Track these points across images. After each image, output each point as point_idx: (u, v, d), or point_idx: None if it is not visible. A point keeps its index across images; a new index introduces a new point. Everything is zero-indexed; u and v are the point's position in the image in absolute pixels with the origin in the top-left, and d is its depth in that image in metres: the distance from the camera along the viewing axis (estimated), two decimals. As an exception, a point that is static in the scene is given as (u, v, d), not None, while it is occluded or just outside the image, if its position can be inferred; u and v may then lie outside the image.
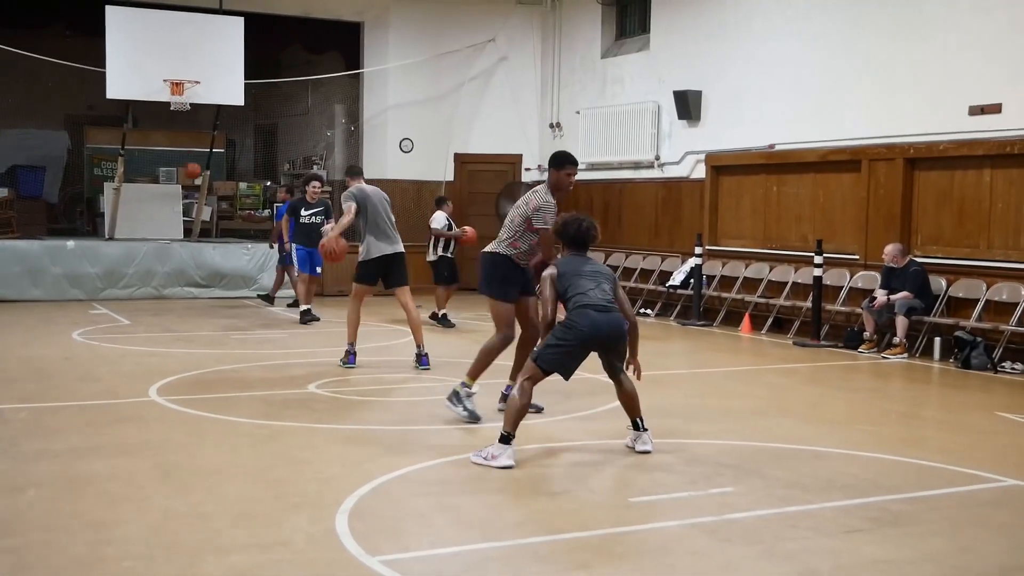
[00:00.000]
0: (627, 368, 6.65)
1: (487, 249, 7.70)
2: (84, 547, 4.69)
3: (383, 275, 9.90)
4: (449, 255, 13.54)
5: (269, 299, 15.45)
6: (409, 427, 7.44)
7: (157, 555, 4.60)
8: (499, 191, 17.99)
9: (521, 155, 18.78)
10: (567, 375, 6.55)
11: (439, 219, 13.61)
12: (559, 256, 6.93)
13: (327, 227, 12.56)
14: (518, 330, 7.69)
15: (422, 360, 9.87)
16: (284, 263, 15.00)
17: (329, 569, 4.50)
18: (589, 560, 4.67)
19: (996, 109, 11.16)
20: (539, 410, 7.73)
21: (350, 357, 9.88)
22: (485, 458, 6.22)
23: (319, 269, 13.48)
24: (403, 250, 9.96)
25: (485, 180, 18.66)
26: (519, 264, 7.55)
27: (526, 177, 18.66)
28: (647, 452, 6.61)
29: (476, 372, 7.59)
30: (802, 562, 4.66)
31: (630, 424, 6.73)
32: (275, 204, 15.70)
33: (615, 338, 6.47)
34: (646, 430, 6.69)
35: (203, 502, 5.43)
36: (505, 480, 6.01)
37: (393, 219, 9.98)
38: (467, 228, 13.57)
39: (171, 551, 4.65)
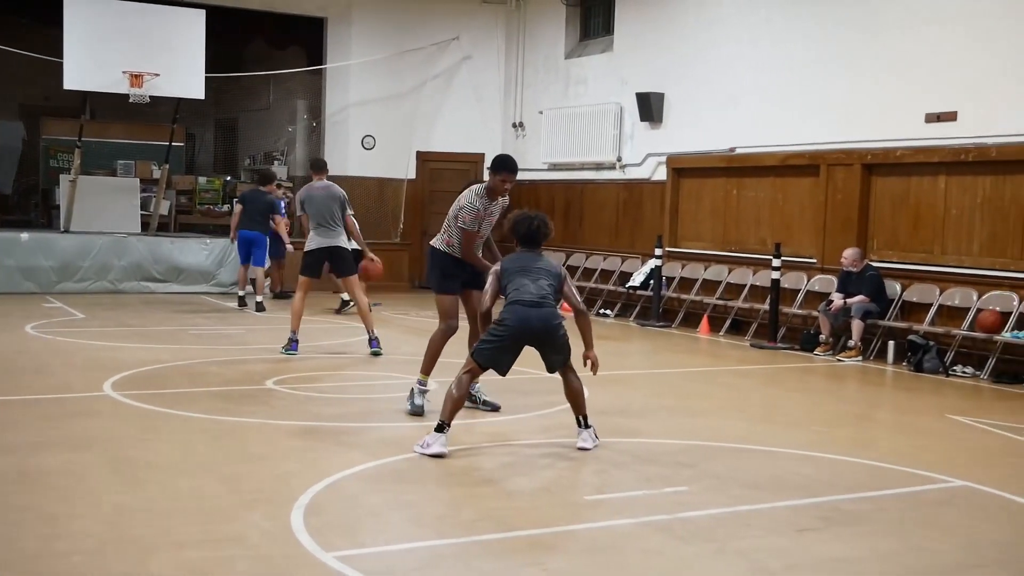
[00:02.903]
0: (585, 363, 6.64)
1: (431, 243, 7.87)
2: (35, 541, 4.64)
3: (330, 266, 10.60)
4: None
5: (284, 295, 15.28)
6: (366, 423, 7.43)
7: (108, 550, 4.56)
8: (461, 189, 17.91)
9: (484, 154, 18.73)
10: (501, 371, 6.57)
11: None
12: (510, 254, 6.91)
13: None
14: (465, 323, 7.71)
15: (372, 343, 10.38)
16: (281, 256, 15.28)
17: (284, 565, 4.48)
18: (543, 557, 4.69)
19: (952, 117, 11.32)
20: (495, 408, 7.75)
21: (292, 344, 10.28)
22: (421, 446, 6.36)
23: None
24: (343, 244, 10.47)
25: (447, 178, 18.62)
26: (457, 258, 7.62)
27: (488, 176, 18.62)
28: (586, 449, 6.64)
29: (426, 367, 7.66)
30: (754, 560, 4.70)
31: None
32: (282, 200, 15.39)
33: (545, 331, 6.48)
34: (589, 427, 6.74)
35: (156, 497, 5.38)
36: (460, 477, 6.02)
37: (338, 215, 10.39)
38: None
39: (123, 546, 4.61)
